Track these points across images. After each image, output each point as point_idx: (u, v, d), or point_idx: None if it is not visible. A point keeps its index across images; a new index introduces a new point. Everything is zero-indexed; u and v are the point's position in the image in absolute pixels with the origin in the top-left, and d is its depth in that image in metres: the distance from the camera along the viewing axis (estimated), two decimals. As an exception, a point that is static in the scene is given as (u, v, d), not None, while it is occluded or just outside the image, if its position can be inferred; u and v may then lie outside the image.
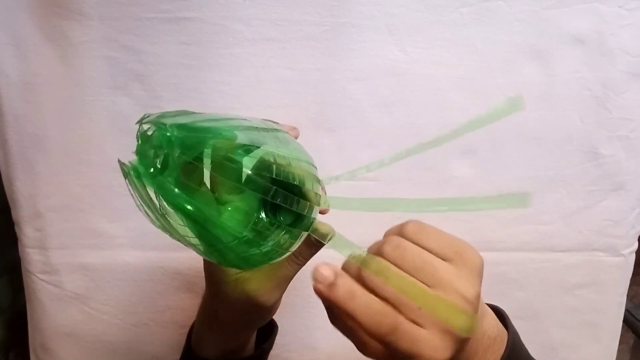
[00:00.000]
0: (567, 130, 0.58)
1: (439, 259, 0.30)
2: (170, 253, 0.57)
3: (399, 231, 0.32)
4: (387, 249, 0.30)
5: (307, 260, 0.38)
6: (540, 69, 0.55)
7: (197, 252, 0.33)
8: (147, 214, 0.30)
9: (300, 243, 0.35)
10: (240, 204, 0.32)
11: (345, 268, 0.31)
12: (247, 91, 0.54)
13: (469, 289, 0.29)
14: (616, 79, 0.56)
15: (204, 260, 0.39)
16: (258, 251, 0.32)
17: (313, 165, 0.35)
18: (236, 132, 0.31)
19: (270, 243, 0.32)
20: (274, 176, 0.31)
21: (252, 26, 0.52)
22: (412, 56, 0.54)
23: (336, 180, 0.37)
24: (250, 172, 0.30)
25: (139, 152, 0.29)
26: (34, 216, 0.56)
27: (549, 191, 0.59)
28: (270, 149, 0.32)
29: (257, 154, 0.31)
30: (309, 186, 0.33)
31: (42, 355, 0.61)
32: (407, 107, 0.55)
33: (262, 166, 0.31)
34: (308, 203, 0.31)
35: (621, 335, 0.67)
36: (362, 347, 0.30)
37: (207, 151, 0.29)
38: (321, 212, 0.37)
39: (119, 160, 0.29)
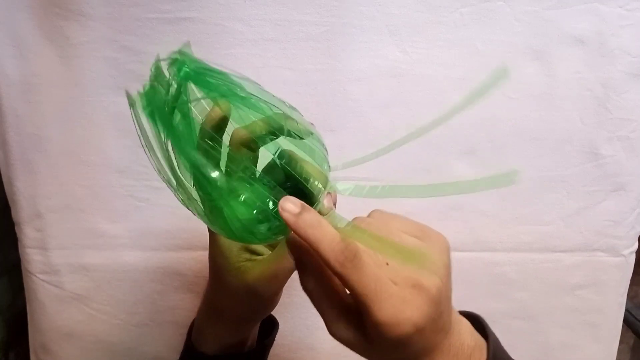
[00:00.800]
0: (568, 131, 0.58)
1: (405, 234, 0.31)
2: (170, 253, 0.57)
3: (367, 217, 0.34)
4: (356, 221, 0.32)
5: None
6: (540, 70, 0.55)
7: (197, 213, 0.32)
8: (150, 155, 0.30)
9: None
10: (249, 188, 0.32)
11: None
12: (247, 91, 0.54)
13: (436, 256, 0.31)
14: (616, 79, 0.56)
15: (209, 247, 0.39)
16: (261, 226, 0.32)
17: (325, 148, 0.35)
18: (252, 93, 0.31)
19: (276, 222, 0.32)
20: (285, 166, 0.31)
21: (252, 26, 0.52)
22: (413, 57, 0.54)
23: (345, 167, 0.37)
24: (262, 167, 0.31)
25: (150, 84, 0.29)
26: (34, 216, 0.56)
27: (549, 191, 0.59)
28: (286, 143, 0.32)
29: (276, 144, 0.32)
30: (317, 176, 0.33)
31: (43, 356, 0.61)
32: (407, 107, 0.55)
33: (279, 156, 0.32)
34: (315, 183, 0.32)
35: (621, 335, 0.67)
36: (330, 322, 0.31)
37: (230, 127, 0.30)
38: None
39: (126, 91, 0.28)
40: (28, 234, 0.56)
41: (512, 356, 0.35)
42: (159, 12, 0.51)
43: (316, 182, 0.32)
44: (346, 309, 0.31)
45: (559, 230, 0.60)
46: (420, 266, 0.29)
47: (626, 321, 0.73)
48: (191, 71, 0.28)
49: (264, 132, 0.32)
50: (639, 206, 0.61)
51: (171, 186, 0.31)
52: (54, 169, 0.55)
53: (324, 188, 0.33)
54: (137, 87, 0.55)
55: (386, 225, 0.32)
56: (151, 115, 0.27)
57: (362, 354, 0.32)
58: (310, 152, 0.33)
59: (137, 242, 0.57)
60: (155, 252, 0.57)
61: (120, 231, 0.57)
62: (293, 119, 0.32)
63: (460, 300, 0.39)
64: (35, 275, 0.57)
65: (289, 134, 0.32)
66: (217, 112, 0.31)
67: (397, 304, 0.28)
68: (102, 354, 0.60)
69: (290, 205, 0.29)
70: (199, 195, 0.31)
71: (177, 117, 0.28)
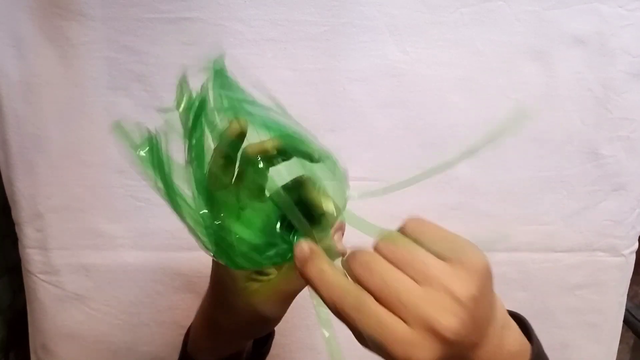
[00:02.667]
0: (568, 131, 0.58)
1: (433, 256, 0.28)
2: (170, 253, 0.57)
3: (400, 227, 0.31)
4: (380, 243, 0.30)
5: None
6: (540, 70, 0.55)
7: (202, 243, 0.32)
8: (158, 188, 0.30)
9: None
10: (259, 207, 0.31)
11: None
12: (247, 92, 0.54)
13: (462, 290, 0.27)
14: (617, 79, 0.56)
15: (213, 267, 0.39)
16: (269, 249, 0.32)
17: (344, 175, 0.35)
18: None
19: (275, 251, 0.32)
20: (299, 196, 0.31)
21: (252, 27, 0.52)
22: (413, 57, 0.54)
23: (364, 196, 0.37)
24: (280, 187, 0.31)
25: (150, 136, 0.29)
26: (34, 217, 0.56)
27: (550, 192, 0.59)
28: (304, 166, 0.32)
29: (290, 168, 0.32)
30: (329, 210, 0.33)
31: (43, 356, 0.61)
32: (407, 107, 0.55)
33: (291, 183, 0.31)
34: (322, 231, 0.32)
35: (621, 335, 0.67)
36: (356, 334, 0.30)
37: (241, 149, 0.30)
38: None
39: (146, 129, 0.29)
40: (28, 234, 0.56)
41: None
42: (159, 12, 0.51)
43: (326, 213, 0.32)
44: None
45: (559, 230, 0.60)
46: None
47: (626, 321, 0.73)
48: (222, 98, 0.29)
49: (276, 152, 0.31)
50: (639, 206, 0.61)
51: (177, 213, 0.31)
52: (54, 169, 0.55)
53: (337, 216, 0.32)
54: (138, 87, 0.56)
55: (410, 252, 0.29)
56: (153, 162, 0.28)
57: None
58: (327, 176, 0.33)
59: (137, 242, 0.57)
60: (155, 252, 0.57)
61: (121, 231, 0.57)
62: (307, 141, 0.32)
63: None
64: (36, 275, 0.57)
65: (303, 156, 0.32)
66: (235, 128, 0.30)
67: (407, 348, 0.27)
68: (102, 354, 0.60)
69: (302, 248, 0.29)
70: (205, 219, 0.30)
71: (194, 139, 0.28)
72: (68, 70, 0.52)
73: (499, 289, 0.66)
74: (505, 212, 0.59)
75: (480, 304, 0.29)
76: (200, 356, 0.42)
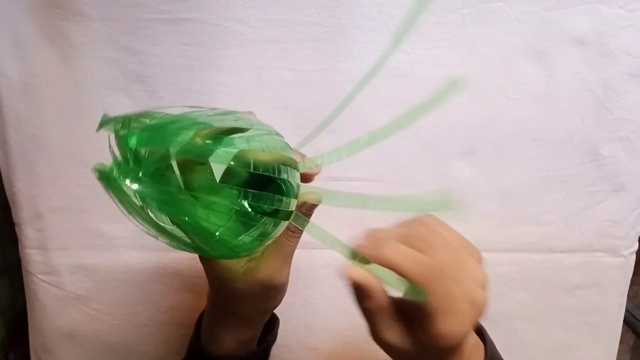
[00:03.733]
0: (568, 131, 0.58)
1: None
2: (170, 254, 0.57)
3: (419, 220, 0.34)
4: (420, 229, 0.33)
5: (303, 230, 0.38)
6: (541, 70, 0.55)
7: (188, 250, 0.32)
8: (132, 217, 0.30)
9: (284, 228, 0.36)
10: (218, 198, 0.31)
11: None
12: (247, 92, 0.54)
13: (483, 275, 0.32)
14: (617, 79, 0.56)
15: (204, 264, 0.39)
16: (245, 239, 0.32)
17: (284, 142, 0.35)
18: (200, 121, 0.30)
19: (257, 231, 0.32)
20: (250, 170, 0.31)
21: (252, 27, 0.52)
22: (413, 57, 0.54)
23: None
24: (226, 166, 0.31)
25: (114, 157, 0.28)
26: (34, 217, 0.56)
27: (550, 192, 0.59)
28: (243, 144, 0.32)
29: (228, 144, 0.31)
30: (284, 174, 0.33)
31: (43, 356, 0.61)
32: (407, 108, 0.55)
33: (237, 160, 0.31)
34: (284, 198, 0.32)
35: (621, 335, 0.67)
36: (381, 329, 0.32)
37: (172, 151, 0.28)
38: (308, 176, 0.37)
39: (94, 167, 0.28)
40: (28, 234, 0.56)
41: (513, 356, 0.35)
42: (160, 12, 0.51)
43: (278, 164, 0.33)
44: (396, 315, 0.32)
45: (559, 231, 0.60)
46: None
47: (626, 321, 0.73)
48: (138, 137, 0.28)
49: (203, 144, 0.31)
50: (639, 206, 0.61)
51: (162, 238, 0.31)
52: (54, 169, 0.55)
53: (297, 166, 0.34)
54: (138, 87, 0.56)
55: (442, 238, 0.32)
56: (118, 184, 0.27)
57: (399, 358, 0.32)
58: (259, 142, 0.33)
59: (137, 242, 0.57)
60: (155, 252, 0.57)
61: (120, 231, 0.57)
62: (224, 119, 0.32)
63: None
64: (36, 276, 0.58)
65: (230, 132, 0.32)
66: (157, 153, 0.30)
67: (461, 320, 0.29)
68: (102, 355, 0.60)
69: (366, 242, 0.31)
70: (187, 235, 0.31)
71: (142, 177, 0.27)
72: (68, 70, 0.52)
73: (499, 289, 0.66)
74: (505, 212, 0.59)
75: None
76: (222, 348, 0.42)
